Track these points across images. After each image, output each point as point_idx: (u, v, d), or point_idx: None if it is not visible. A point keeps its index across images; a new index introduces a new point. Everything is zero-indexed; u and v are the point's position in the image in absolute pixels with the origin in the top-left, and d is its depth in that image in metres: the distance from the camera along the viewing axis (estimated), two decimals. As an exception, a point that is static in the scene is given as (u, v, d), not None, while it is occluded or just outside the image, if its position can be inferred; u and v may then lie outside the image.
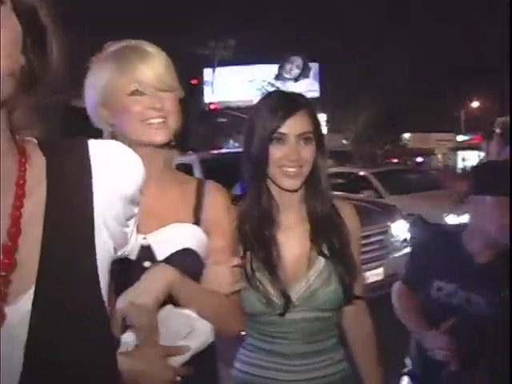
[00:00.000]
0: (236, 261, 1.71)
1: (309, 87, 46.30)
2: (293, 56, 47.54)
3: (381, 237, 6.73)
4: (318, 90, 43.92)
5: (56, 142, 1.06)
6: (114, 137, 1.64)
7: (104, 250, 1.00)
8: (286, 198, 1.94)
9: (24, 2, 0.91)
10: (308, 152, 1.88)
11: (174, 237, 1.63)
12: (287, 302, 1.82)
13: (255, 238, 1.89)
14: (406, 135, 43.30)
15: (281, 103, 1.91)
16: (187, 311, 1.53)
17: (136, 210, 1.11)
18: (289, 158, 1.85)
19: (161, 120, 1.62)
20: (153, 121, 1.61)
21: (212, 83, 39.63)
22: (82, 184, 0.98)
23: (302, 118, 1.89)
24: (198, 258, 1.65)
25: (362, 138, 41.07)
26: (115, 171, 1.02)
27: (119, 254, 1.09)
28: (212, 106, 32.83)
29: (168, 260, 1.59)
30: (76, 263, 0.94)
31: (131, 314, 1.41)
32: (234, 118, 29.68)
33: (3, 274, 0.89)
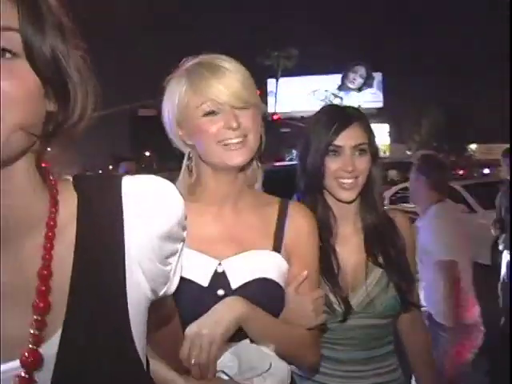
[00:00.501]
0: (319, 292, 1.61)
1: (372, 97, 45.93)
2: (356, 66, 47.18)
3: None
4: (382, 99, 43.53)
5: (90, 179, 1.05)
6: (192, 158, 1.60)
7: (138, 292, 0.97)
8: (342, 209, 1.96)
9: (44, 54, 0.88)
10: (363, 163, 1.91)
11: (252, 264, 1.53)
12: (348, 308, 1.84)
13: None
14: (472, 146, 42.37)
15: (335, 116, 1.95)
16: (266, 348, 1.47)
17: (178, 246, 1.05)
18: (344, 170, 1.88)
19: (239, 140, 1.51)
20: (230, 141, 1.50)
21: (275, 93, 39.86)
22: (112, 224, 0.96)
23: (356, 130, 1.93)
24: (277, 287, 1.54)
25: (425, 149, 40.34)
26: (147, 209, 0.97)
27: (161, 294, 1.04)
28: (275, 117, 32.98)
29: (243, 289, 1.50)
30: (105, 307, 0.93)
31: (195, 344, 1.38)
32: (297, 128, 29.73)
33: (39, 318, 0.88)
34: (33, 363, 0.87)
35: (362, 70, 49.69)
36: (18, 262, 0.92)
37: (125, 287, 0.94)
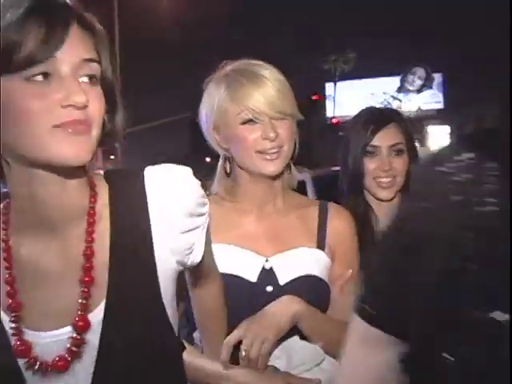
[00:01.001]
0: None
1: (432, 98, 45.09)
2: (415, 67, 46.37)
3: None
4: (442, 101, 42.71)
5: (118, 171, 1.27)
6: (228, 158, 1.63)
7: (166, 266, 1.13)
8: (382, 208, 2.03)
9: (109, 78, 1.10)
10: (400, 162, 2.01)
11: (298, 261, 1.57)
12: None
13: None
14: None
15: (372, 118, 2.07)
16: (314, 345, 1.49)
17: (200, 221, 1.18)
18: (382, 169, 1.99)
19: (276, 150, 1.55)
20: (267, 151, 1.54)
21: (334, 97, 39.70)
22: (139, 209, 1.12)
23: (392, 130, 2.03)
24: (323, 284, 1.59)
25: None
26: (167, 191, 1.12)
27: (188, 264, 1.19)
28: (334, 121, 32.89)
29: (291, 285, 1.54)
30: (138, 280, 1.11)
31: (247, 338, 1.41)
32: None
33: (85, 289, 1.07)
34: (82, 327, 1.06)
35: (421, 72, 48.68)
36: (65, 245, 1.10)
37: (154, 262, 1.12)
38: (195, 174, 1.19)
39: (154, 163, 1.18)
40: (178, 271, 1.18)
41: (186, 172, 1.18)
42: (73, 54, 1.00)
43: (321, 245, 1.63)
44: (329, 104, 39.10)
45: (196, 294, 1.36)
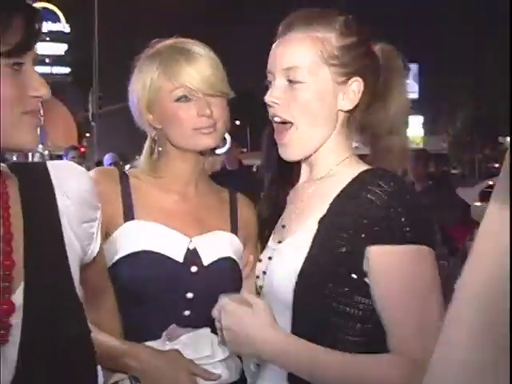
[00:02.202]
0: None
1: (408, 88, 45.32)
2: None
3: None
4: (418, 91, 43.10)
5: (22, 164, 1.31)
6: (156, 140, 1.59)
7: (72, 249, 1.18)
8: None
9: None
10: None
11: (218, 243, 1.57)
12: None
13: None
14: (508, 139, 41.79)
15: None
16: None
17: (97, 215, 1.26)
18: None
19: (211, 126, 1.52)
20: (202, 127, 1.52)
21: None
22: (47, 197, 1.17)
23: None
24: (238, 267, 1.59)
25: (460, 142, 39.96)
26: (67, 183, 1.20)
27: (88, 253, 1.25)
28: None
29: (213, 266, 1.54)
30: (51, 261, 1.15)
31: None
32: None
33: (7, 273, 1.07)
34: (7, 310, 1.07)
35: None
36: None
37: (64, 247, 1.16)
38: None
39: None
40: (81, 262, 1.22)
41: (80, 168, 1.28)
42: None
43: (234, 230, 1.63)
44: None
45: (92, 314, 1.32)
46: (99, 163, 9.48)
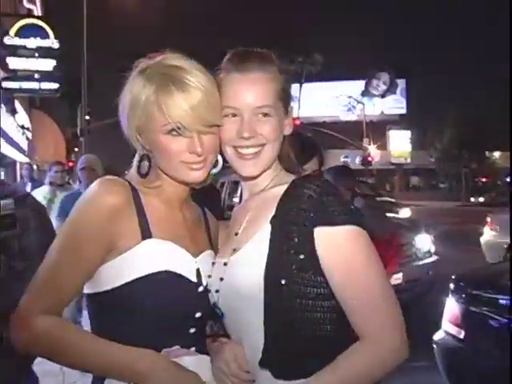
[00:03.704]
0: None
1: (396, 104, 45.79)
2: (380, 72, 46.99)
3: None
4: (405, 106, 43.44)
5: None
6: (146, 157, 1.54)
7: None
8: None
9: None
10: None
11: (210, 263, 1.58)
12: None
13: None
14: (496, 153, 42.13)
15: None
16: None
17: None
18: None
19: (201, 162, 1.50)
20: (191, 164, 1.49)
21: (298, 99, 39.94)
22: None
23: None
24: None
25: (447, 156, 40.12)
26: None
27: None
28: (296, 122, 33.07)
29: (211, 287, 1.54)
30: None
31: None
32: (319, 134, 29.83)
33: None
34: None
35: (385, 77, 49.39)
36: None
37: None
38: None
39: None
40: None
41: None
42: None
43: (212, 246, 1.64)
44: (293, 105, 39.27)
45: None
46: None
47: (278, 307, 1.41)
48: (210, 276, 1.52)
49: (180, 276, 1.46)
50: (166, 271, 1.42)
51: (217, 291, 1.50)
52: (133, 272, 1.40)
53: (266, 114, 1.54)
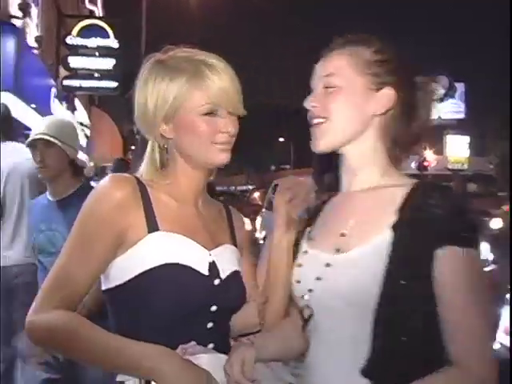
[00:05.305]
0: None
1: (454, 108, 44.93)
2: (439, 76, 45.99)
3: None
4: (464, 111, 42.54)
5: None
6: (165, 149, 1.59)
7: None
8: None
9: None
10: None
11: (230, 257, 1.59)
12: None
13: None
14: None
15: None
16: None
17: None
18: None
19: (229, 143, 1.55)
20: (222, 144, 1.53)
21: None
22: None
23: None
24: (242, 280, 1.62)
25: (506, 163, 38.99)
26: None
27: None
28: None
29: (230, 279, 1.55)
30: None
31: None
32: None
33: None
34: None
35: (444, 81, 48.41)
36: None
37: None
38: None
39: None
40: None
41: None
42: None
43: (234, 242, 1.67)
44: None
45: None
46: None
47: (390, 319, 1.35)
48: (299, 264, 1.52)
49: (188, 268, 1.45)
50: (172, 263, 1.42)
51: (310, 290, 1.45)
52: (140, 266, 1.41)
53: (332, 87, 1.51)
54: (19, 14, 10.63)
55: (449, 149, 48.22)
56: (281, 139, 61.25)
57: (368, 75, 1.48)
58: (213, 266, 1.51)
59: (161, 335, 1.39)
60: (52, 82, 13.42)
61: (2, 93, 7.51)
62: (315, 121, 1.50)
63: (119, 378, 1.40)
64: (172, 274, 1.42)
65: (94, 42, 14.79)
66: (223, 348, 1.48)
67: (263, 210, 14.04)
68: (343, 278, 1.39)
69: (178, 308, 1.43)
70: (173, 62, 1.53)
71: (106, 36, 14.99)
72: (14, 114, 8.26)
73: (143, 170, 1.58)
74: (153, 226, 1.45)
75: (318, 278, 1.43)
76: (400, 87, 1.50)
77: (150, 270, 1.40)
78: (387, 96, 1.49)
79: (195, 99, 1.49)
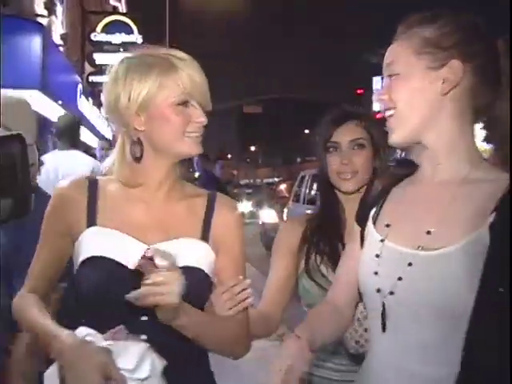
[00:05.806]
0: (239, 281, 1.60)
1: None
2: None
3: None
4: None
5: None
6: (137, 142, 1.58)
7: None
8: (350, 201, 2.03)
9: None
10: (360, 157, 2.03)
11: (179, 252, 1.52)
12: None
13: (323, 235, 2.04)
14: None
15: (333, 115, 2.10)
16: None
17: None
18: (342, 163, 2.01)
19: (201, 133, 1.58)
20: (194, 134, 1.56)
21: (380, 91, 39.02)
22: None
23: (351, 126, 2.05)
24: (204, 276, 1.57)
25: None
26: None
27: None
28: (378, 116, 32.51)
29: None
30: None
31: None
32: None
33: None
34: None
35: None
36: None
37: None
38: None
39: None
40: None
41: None
42: None
43: (205, 236, 1.61)
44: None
45: None
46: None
47: (485, 326, 1.24)
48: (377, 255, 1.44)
49: (111, 260, 1.49)
50: (97, 256, 1.50)
51: (391, 293, 1.38)
52: (79, 258, 1.53)
53: (394, 74, 1.45)
54: (45, 12, 10.75)
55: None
56: (306, 131, 61.12)
57: (425, 54, 1.38)
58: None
59: (92, 321, 1.47)
60: (78, 78, 13.52)
61: (30, 91, 7.59)
62: (386, 113, 1.45)
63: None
64: (96, 265, 1.50)
65: (118, 38, 14.89)
66: (163, 341, 1.46)
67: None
68: (429, 282, 1.32)
69: (107, 300, 1.49)
70: (143, 58, 1.57)
71: (130, 32, 15.07)
72: (42, 111, 8.40)
73: (114, 166, 1.61)
74: (91, 222, 1.56)
75: (400, 278, 1.36)
76: (472, 58, 1.37)
77: (83, 261, 1.51)
78: (452, 71, 1.36)
79: (168, 90, 1.53)
